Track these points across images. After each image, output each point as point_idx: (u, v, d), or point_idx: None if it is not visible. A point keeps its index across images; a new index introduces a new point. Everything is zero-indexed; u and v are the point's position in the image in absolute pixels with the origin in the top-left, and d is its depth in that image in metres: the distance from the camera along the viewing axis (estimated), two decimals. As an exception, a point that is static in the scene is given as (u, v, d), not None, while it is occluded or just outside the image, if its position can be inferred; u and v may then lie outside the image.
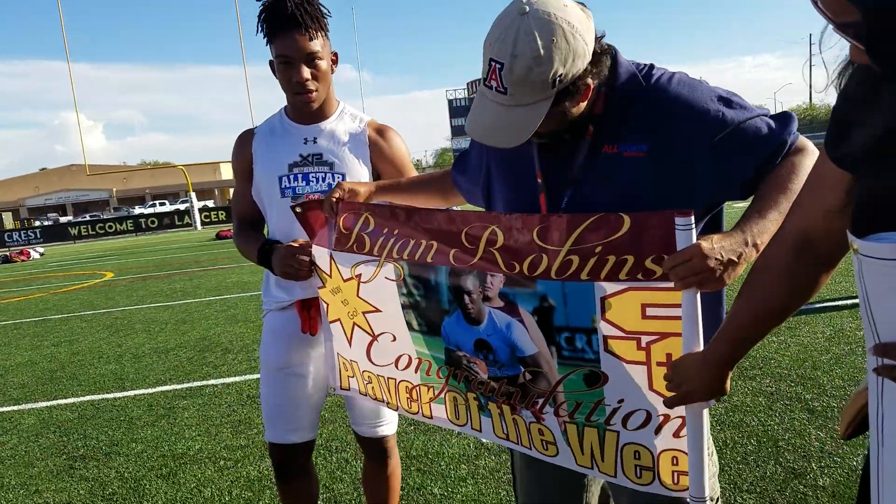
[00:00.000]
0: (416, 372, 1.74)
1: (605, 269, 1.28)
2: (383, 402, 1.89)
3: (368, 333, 1.80)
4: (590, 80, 1.28)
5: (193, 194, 37.85)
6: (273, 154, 2.10)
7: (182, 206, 45.79)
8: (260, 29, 1.97)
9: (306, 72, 1.97)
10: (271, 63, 2.02)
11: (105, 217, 48.03)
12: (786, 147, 1.31)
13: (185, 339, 6.91)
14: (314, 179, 2.07)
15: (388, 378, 1.81)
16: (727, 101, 1.33)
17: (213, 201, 61.16)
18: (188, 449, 3.86)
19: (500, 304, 1.45)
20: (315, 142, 2.08)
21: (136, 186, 71.55)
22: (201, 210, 37.76)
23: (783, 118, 1.33)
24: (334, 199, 1.75)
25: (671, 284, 1.21)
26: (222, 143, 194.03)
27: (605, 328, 1.33)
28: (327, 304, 1.91)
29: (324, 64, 2.00)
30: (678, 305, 1.23)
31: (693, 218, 1.19)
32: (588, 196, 1.36)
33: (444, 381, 1.68)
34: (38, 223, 52.15)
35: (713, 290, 1.21)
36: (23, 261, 24.61)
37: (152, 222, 39.10)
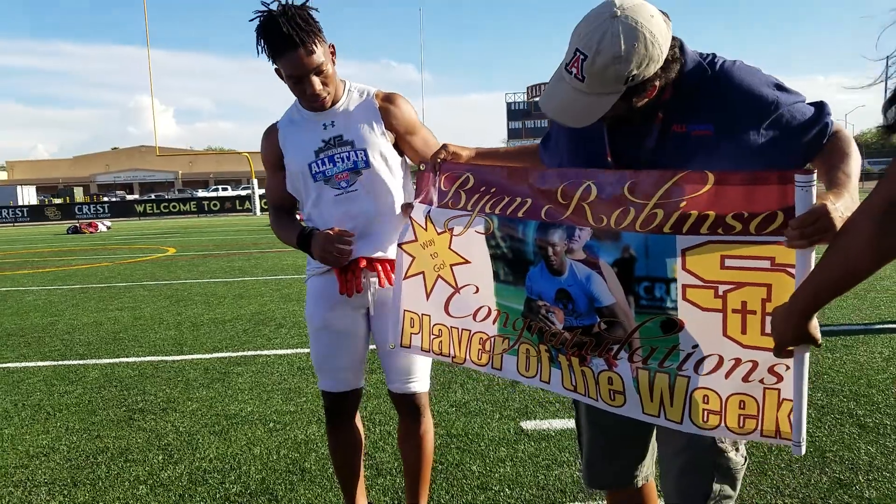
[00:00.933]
0: (493, 323, 1.82)
1: (688, 223, 1.38)
2: (448, 356, 1.93)
3: (451, 286, 1.89)
4: (657, 82, 1.42)
5: (255, 181, 38.82)
6: (299, 144, 2.25)
7: (244, 192, 46.97)
8: (261, 50, 2.07)
9: (317, 83, 2.10)
10: (277, 71, 2.14)
11: (169, 197, 49.64)
12: (829, 127, 1.47)
13: (241, 313, 7.15)
14: (340, 160, 2.21)
15: (463, 329, 1.89)
16: (780, 86, 1.47)
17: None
18: (240, 410, 4.02)
19: (581, 257, 1.55)
20: (333, 125, 2.22)
21: (201, 170, 73.80)
22: (262, 197, 38.66)
23: (821, 105, 1.49)
24: (439, 161, 1.87)
25: (753, 238, 1.32)
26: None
27: (684, 277, 1.42)
28: (412, 259, 1.96)
29: (329, 68, 2.13)
30: (755, 257, 1.33)
31: (815, 175, 1.27)
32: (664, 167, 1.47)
33: (519, 333, 1.76)
34: (106, 199, 54.27)
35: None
36: (91, 232, 25.70)
37: (214, 205, 40.28)
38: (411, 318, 2.00)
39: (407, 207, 1.98)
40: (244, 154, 43.48)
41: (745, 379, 1.42)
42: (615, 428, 1.76)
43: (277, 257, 12.82)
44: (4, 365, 5.33)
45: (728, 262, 1.37)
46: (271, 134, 2.33)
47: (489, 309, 1.82)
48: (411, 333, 2.01)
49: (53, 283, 10.31)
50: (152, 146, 41.41)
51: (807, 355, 1.36)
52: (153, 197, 54.54)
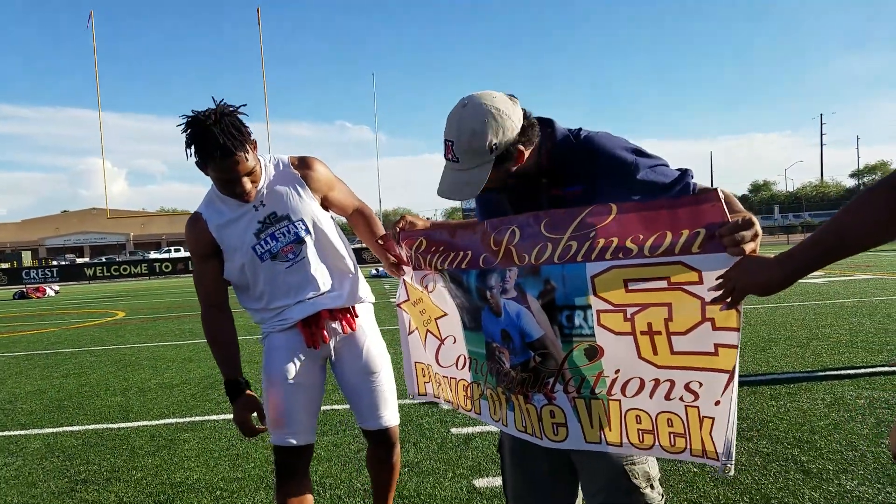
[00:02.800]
0: (469, 370, 1.95)
1: (596, 251, 1.51)
2: (450, 402, 2.09)
3: (437, 338, 2.04)
4: (521, 147, 1.66)
5: (210, 241, 38.41)
6: (235, 232, 2.30)
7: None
8: (189, 154, 2.14)
9: (248, 183, 2.20)
10: (205, 169, 2.18)
11: (120, 259, 48.55)
12: (691, 186, 1.64)
13: (190, 377, 6.99)
14: (281, 234, 2.31)
15: (451, 378, 2.04)
16: (638, 151, 1.68)
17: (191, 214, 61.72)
18: (186, 478, 3.91)
19: (514, 295, 1.68)
20: (263, 205, 2.30)
21: (153, 232, 72.67)
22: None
23: (684, 170, 1.68)
24: (398, 230, 2.04)
25: (647, 260, 1.45)
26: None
27: (597, 303, 1.53)
28: (409, 317, 2.15)
29: (257, 169, 2.23)
30: (652, 279, 1.45)
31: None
32: None
33: (485, 378, 1.87)
34: (55, 263, 52.79)
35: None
36: (38, 297, 24.93)
37: (166, 267, 39.50)
38: (422, 369, 2.17)
39: (397, 269, 2.09)
40: (199, 215, 43.10)
41: (667, 397, 1.51)
42: (540, 469, 1.86)
43: (231, 319, 12.61)
44: (-63, 438, 5.09)
45: (630, 286, 1.48)
46: (198, 222, 2.33)
47: (464, 357, 1.96)
48: (424, 382, 2.18)
49: (-5, 351, 9.93)
50: (103, 209, 40.71)
51: (726, 377, 1.42)
52: (104, 260, 53.30)
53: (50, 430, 5.15)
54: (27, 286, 29.53)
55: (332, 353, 2.44)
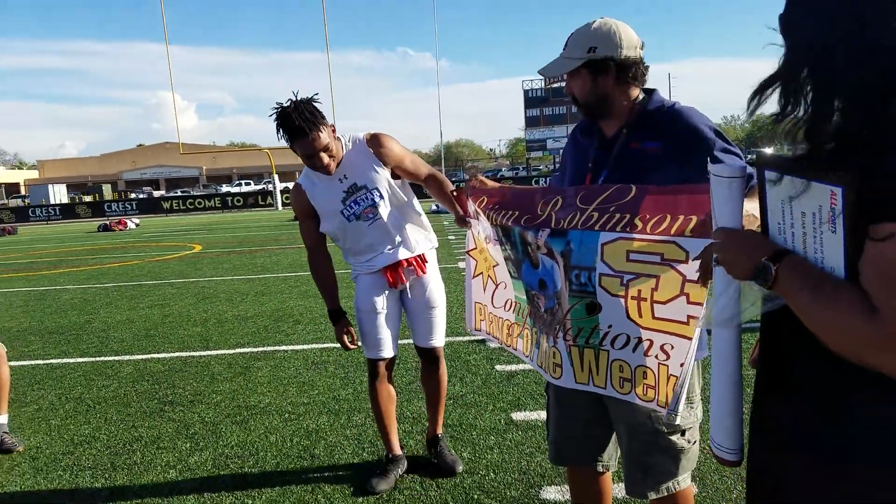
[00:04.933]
0: (512, 312, 2.28)
1: (610, 223, 1.74)
2: (497, 339, 2.41)
3: (494, 283, 2.38)
4: (612, 70, 1.89)
5: (276, 176, 39.45)
6: (327, 200, 2.98)
7: (266, 187, 47.72)
8: (280, 137, 2.75)
9: (325, 157, 2.81)
10: (293, 149, 2.81)
11: (195, 193, 50.53)
12: (754, 177, 1.80)
13: (262, 309, 7.59)
14: (361, 200, 2.95)
15: (500, 318, 2.37)
16: (718, 132, 1.87)
17: (293, 183, 63.18)
18: (259, 402, 4.44)
19: (545, 251, 1.94)
20: (346, 178, 2.94)
21: (224, 166, 74.79)
22: (282, 191, 39.30)
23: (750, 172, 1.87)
24: (470, 186, 2.38)
25: (647, 237, 1.67)
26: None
27: (601, 267, 1.77)
28: (475, 262, 2.48)
29: (332, 144, 2.82)
30: (649, 253, 1.68)
31: (735, 170, 1.48)
32: (618, 173, 1.92)
33: (524, 320, 2.18)
34: (133, 196, 55.39)
35: None
36: (120, 230, 26.47)
37: (238, 201, 41.01)
38: (479, 308, 2.50)
39: (464, 222, 2.48)
40: (265, 150, 44.18)
41: (646, 354, 1.77)
42: (577, 410, 2.09)
43: (297, 254, 13.29)
44: (48, 361, 5.82)
45: (632, 256, 1.72)
46: (299, 192, 3.03)
47: (511, 301, 2.29)
48: (480, 319, 2.52)
49: (88, 282, 10.87)
50: (176, 143, 42.27)
51: (693, 342, 1.68)
52: (179, 193, 55.54)
53: (140, 357, 5.81)
54: (110, 219, 31.34)
55: (408, 289, 3.14)
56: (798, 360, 1.15)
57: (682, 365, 1.71)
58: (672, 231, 1.64)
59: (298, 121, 2.67)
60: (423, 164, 3.10)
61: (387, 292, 3.11)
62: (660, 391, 1.76)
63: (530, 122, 49.97)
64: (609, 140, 1.99)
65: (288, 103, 2.73)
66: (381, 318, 3.11)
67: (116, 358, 5.81)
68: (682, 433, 1.92)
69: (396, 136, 3.04)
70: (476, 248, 2.47)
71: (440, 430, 3.42)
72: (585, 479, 2.23)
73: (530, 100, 53.61)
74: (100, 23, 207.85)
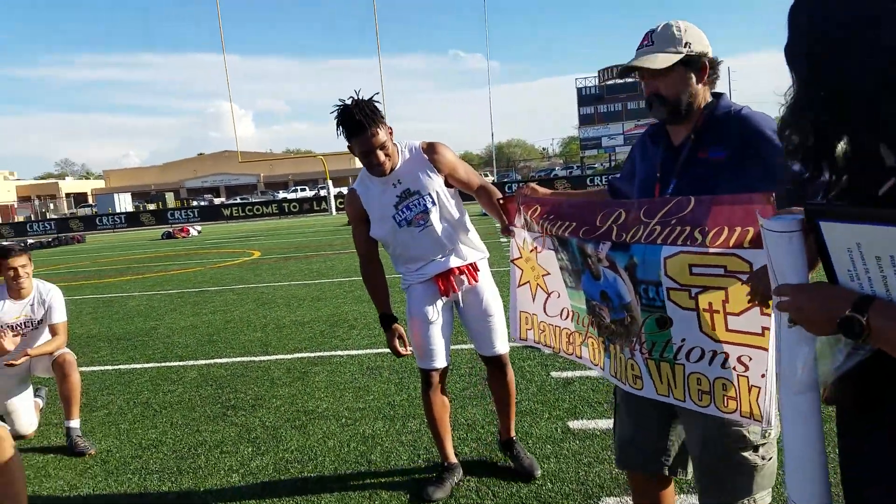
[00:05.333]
0: (571, 321, 2.29)
1: (671, 236, 1.73)
2: (551, 347, 2.42)
3: (545, 291, 2.39)
4: (706, 69, 1.88)
5: (330, 182, 40.14)
6: (380, 204, 2.99)
7: (320, 192, 48.55)
8: (339, 133, 2.80)
9: (381, 156, 2.83)
10: (350, 148, 2.85)
11: (253, 200, 51.80)
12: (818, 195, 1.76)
13: (318, 315, 7.72)
14: (413, 206, 2.96)
15: (556, 327, 2.38)
16: None
17: (346, 188, 64.14)
18: (317, 407, 4.52)
19: (606, 264, 1.94)
20: (400, 182, 2.95)
21: (280, 172, 76.44)
22: (336, 196, 39.91)
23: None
24: (522, 195, 2.38)
25: (707, 250, 1.65)
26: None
27: (667, 281, 1.76)
28: (521, 271, 2.48)
29: (389, 144, 2.85)
30: (712, 265, 1.66)
31: (790, 223, 1.33)
32: (686, 185, 1.90)
33: (586, 329, 2.19)
34: (195, 203, 57.13)
35: None
36: (183, 237, 27.36)
37: (294, 207, 41.84)
38: (525, 317, 2.52)
39: (508, 231, 2.49)
40: (319, 156, 44.98)
41: (723, 366, 1.74)
42: (646, 417, 2.10)
43: (350, 259, 13.46)
44: (117, 367, 6.06)
45: (694, 270, 1.70)
46: (353, 196, 3.06)
47: (567, 310, 2.30)
48: (526, 329, 2.54)
49: (153, 289, 11.27)
50: (234, 151, 43.43)
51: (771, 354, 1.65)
52: (238, 200, 57.02)
53: (203, 362, 5.99)
54: (173, 227, 32.40)
55: (460, 299, 3.13)
56: None
57: (762, 376, 1.67)
58: (731, 243, 1.62)
59: (359, 116, 2.72)
60: (476, 174, 3.13)
61: (439, 302, 3.11)
62: (742, 402, 1.73)
63: (584, 120, 49.42)
64: (676, 147, 1.97)
65: (349, 100, 2.78)
66: (434, 329, 3.11)
67: (181, 363, 6.00)
68: (756, 449, 1.86)
69: (448, 137, 3.16)
70: (521, 258, 2.47)
71: (514, 433, 3.42)
72: (648, 486, 2.22)
73: (584, 97, 52.99)
74: (159, 36, 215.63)
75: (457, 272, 3.07)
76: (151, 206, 54.42)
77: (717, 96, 1.94)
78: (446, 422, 3.29)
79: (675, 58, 1.84)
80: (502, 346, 3.23)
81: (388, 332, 3.14)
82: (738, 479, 1.87)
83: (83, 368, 5.94)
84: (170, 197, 62.89)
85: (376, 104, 2.81)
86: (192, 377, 5.50)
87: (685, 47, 1.84)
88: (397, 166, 2.93)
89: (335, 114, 2.78)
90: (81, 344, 7.03)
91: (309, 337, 6.64)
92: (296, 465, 3.63)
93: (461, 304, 3.16)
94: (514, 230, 2.44)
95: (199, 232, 29.31)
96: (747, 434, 1.84)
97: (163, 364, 6.02)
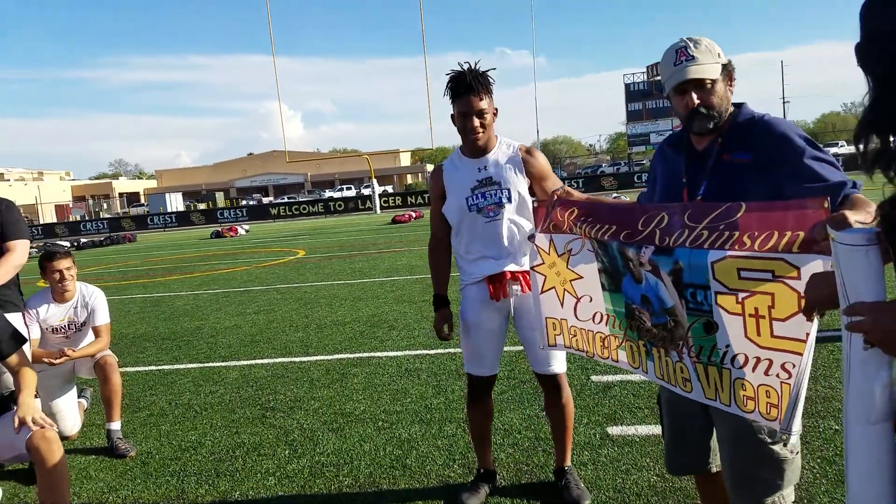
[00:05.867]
0: (606, 325, 2.27)
1: (719, 241, 1.74)
2: (583, 351, 2.41)
3: (574, 296, 2.37)
4: (732, 75, 1.98)
5: (375, 181, 40.43)
6: (458, 183, 2.97)
7: (365, 191, 48.93)
8: (447, 93, 2.85)
9: (477, 122, 2.84)
10: (452, 117, 2.90)
11: (300, 199, 52.55)
12: (845, 188, 1.79)
13: (359, 315, 7.75)
14: (489, 195, 2.91)
15: (588, 331, 2.36)
16: (810, 140, 1.88)
17: (391, 187, 64.61)
18: (354, 409, 4.51)
19: (649, 268, 1.94)
20: (485, 169, 2.94)
21: (327, 171, 77.37)
22: (381, 195, 40.20)
23: (852, 181, 1.81)
24: (557, 196, 2.39)
25: (756, 254, 1.65)
26: (402, 131, 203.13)
27: (714, 285, 1.76)
28: (544, 277, 2.46)
29: (489, 118, 2.86)
30: (760, 270, 1.65)
31: (866, 237, 1.27)
32: (714, 185, 1.97)
33: (624, 332, 2.18)
34: (244, 202, 58.28)
35: None
36: (231, 236, 27.92)
37: (339, 205, 42.31)
38: (553, 323, 2.50)
39: (531, 237, 2.48)
40: (364, 156, 45.37)
41: (766, 373, 1.73)
42: (684, 421, 2.17)
43: (393, 258, 13.52)
44: (161, 367, 6.17)
45: (743, 274, 1.69)
46: (438, 173, 3.07)
47: (601, 314, 2.27)
48: (555, 335, 2.52)
49: (200, 288, 11.50)
50: (283, 151, 44.12)
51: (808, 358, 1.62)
52: (286, 199, 57.95)
53: (245, 363, 6.06)
54: (222, 226, 33.09)
55: (513, 308, 3.02)
56: None
57: (799, 382, 1.66)
58: (780, 248, 1.61)
59: (470, 79, 2.78)
60: None
61: (493, 308, 2.99)
62: (782, 410, 1.72)
63: (632, 117, 48.60)
64: (701, 153, 2.04)
65: (467, 67, 2.84)
66: (485, 334, 3.03)
67: (223, 364, 6.08)
68: (785, 443, 1.91)
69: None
70: (544, 263, 2.45)
71: (568, 462, 3.21)
72: (706, 481, 2.29)
73: (632, 93, 52.14)
74: (210, 38, 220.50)
75: (510, 276, 2.96)
76: (202, 206, 55.72)
77: (738, 106, 2.02)
78: (488, 430, 3.23)
79: (719, 67, 1.94)
80: (559, 365, 3.04)
81: (438, 313, 3.10)
82: (770, 474, 1.91)
83: (128, 369, 6.09)
84: (220, 196, 64.27)
85: (490, 79, 2.85)
86: (234, 378, 5.57)
87: (719, 57, 1.94)
88: (490, 152, 2.95)
89: (448, 76, 2.84)
90: (128, 344, 7.20)
91: (349, 337, 6.65)
92: (331, 468, 3.62)
93: (513, 313, 3.05)
94: (536, 235, 2.44)
95: (247, 231, 29.87)
96: (767, 426, 1.89)
97: (206, 364, 6.11)
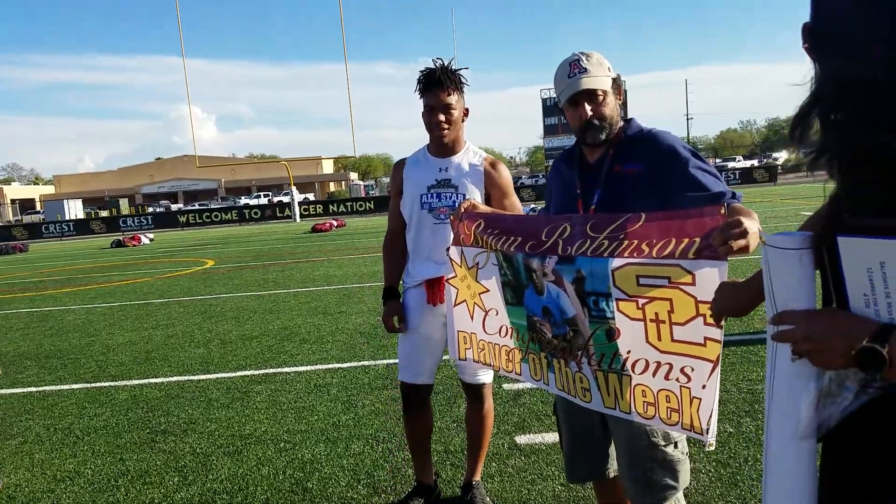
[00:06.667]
0: (510, 338, 2.27)
1: (619, 249, 1.78)
2: (490, 365, 2.41)
3: (483, 310, 2.36)
4: (620, 89, 2.05)
5: (294, 188, 39.55)
6: (418, 179, 2.90)
7: (285, 199, 47.79)
8: (417, 88, 2.80)
9: (442, 117, 2.78)
10: (423, 100, 2.82)
11: (212, 206, 50.78)
12: (728, 194, 1.89)
13: (268, 328, 7.40)
14: (444, 196, 2.85)
15: (495, 344, 2.36)
16: (694, 152, 1.99)
17: (313, 195, 63.50)
18: (255, 430, 4.23)
19: (552, 279, 1.96)
20: (446, 170, 2.87)
21: (243, 178, 75.26)
22: (301, 203, 39.35)
23: (732, 191, 1.92)
24: (462, 209, 2.39)
25: (654, 261, 1.69)
26: (325, 138, 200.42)
27: (615, 292, 1.80)
28: (456, 290, 2.45)
29: (456, 115, 2.80)
30: (657, 276, 1.69)
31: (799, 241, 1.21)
32: (605, 195, 2.02)
33: (526, 345, 2.19)
34: (150, 210, 55.78)
35: (744, 254, 1.53)
36: (134, 245, 26.51)
37: (255, 213, 41.10)
38: (464, 337, 2.49)
39: (447, 250, 2.46)
40: (282, 162, 44.36)
41: (666, 378, 1.76)
42: (582, 430, 2.19)
43: (310, 268, 13.14)
44: (42, 388, 5.64)
45: (641, 280, 1.74)
46: (400, 166, 2.99)
47: (506, 327, 2.27)
48: (465, 349, 2.50)
49: (94, 301, 10.76)
50: (193, 155, 42.51)
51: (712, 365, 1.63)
52: (196, 206, 55.88)
53: (137, 382, 5.62)
54: (124, 234, 31.48)
55: (445, 313, 2.88)
56: None
57: (703, 387, 1.68)
58: (676, 254, 1.66)
59: (440, 74, 2.74)
60: (519, 210, 3.01)
61: (433, 313, 2.89)
62: (683, 414, 1.75)
63: (549, 131, 49.73)
64: (593, 165, 2.10)
65: (440, 62, 2.81)
66: (424, 340, 2.92)
67: (113, 383, 5.63)
68: (676, 445, 1.98)
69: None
70: (456, 276, 2.44)
71: (478, 477, 3.14)
72: (605, 487, 2.32)
73: (548, 108, 53.36)
74: (121, 37, 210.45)
75: (448, 283, 2.85)
76: (104, 213, 52.96)
77: (628, 120, 2.10)
78: (426, 442, 3.10)
79: (609, 79, 2.00)
80: (486, 375, 3.00)
81: (387, 305, 2.96)
82: (665, 475, 1.96)
83: (3, 391, 5.55)
84: (124, 203, 61.32)
85: (462, 77, 2.83)
86: (123, 399, 5.14)
87: (609, 71, 2.00)
88: (456, 155, 2.89)
89: (422, 72, 2.81)
90: (6, 363, 6.57)
91: (255, 353, 6.31)
92: (224, 495, 3.34)
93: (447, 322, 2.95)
94: (450, 247, 2.42)
95: (151, 240, 28.52)
96: (669, 431, 1.95)
97: (93, 385, 5.63)
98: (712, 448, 1.75)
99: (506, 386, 4.63)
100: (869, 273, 0.94)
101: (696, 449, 3.38)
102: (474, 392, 3.03)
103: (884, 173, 0.92)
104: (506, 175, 2.94)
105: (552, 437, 3.71)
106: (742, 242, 1.50)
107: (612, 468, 2.19)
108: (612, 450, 2.16)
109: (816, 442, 1.09)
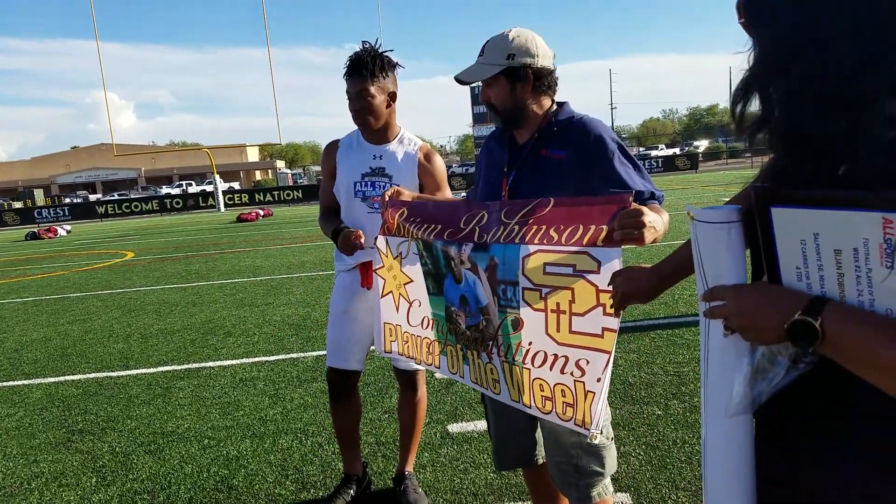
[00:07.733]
0: (431, 330, 2.24)
1: (529, 235, 1.75)
2: (413, 358, 2.38)
3: (407, 301, 2.31)
4: (529, 84, 1.96)
5: (218, 177, 38.39)
6: (351, 165, 2.82)
7: (208, 188, 46.37)
8: (343, 71, 2.72)
9: (360, 106, 2.69)
10: (347, 84, 2.72)
11: (132, 196, 48.84)
12: (648, 194, 1.90)
13: (191, 322, 7.19)
14: (378, 185, 2.79)
15: (417, 336, 2.32)
16: (622, 147, 1.96)
17: (238, 183, 61.85)
18: (177, 427, 4.11)
19: (468, 266, 1.95)
20: (381, 158, 2.81)
21: (164, 166, 72.62)
22: (225, 192, 38.28)
23: (657, 192, 1.94)
24: (387, 197, 2.33)
25: (561, 248, 1.68)
26: (248, 125, 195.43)
27: (523, 281, 1.78)
28: (384, 281, 2.39)
29: (375, 101, 2.69)
30: (563, 265, 1.68)
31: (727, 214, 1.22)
32: (526, 177, 2.02)
33: (445, 337, 2.16)
34: (67, 201, 53.18)
35: (638, 244, 1.56)
36: (50, 238, 25.25)
37: (177, 203, 39.73)
38: (389, 329, 2.44)
39: (374, 240, 2.39)
40: (205, 149, 42.99)
41: (562, 371, 1.74)
42: (508, 417, 2.15)
43: (235, 259, 12.83)
44: (-54, 390, 5.32)
45: (548, 269, 1.72)
46: (333, 148, 2.89)
47: (427, 319, 2.24)
48: (391, 341, 2.45)
49: (7, 297, 10.21)
50: (111, 144, 40.68)
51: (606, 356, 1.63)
52: (116, 196, 53.62)
53: (52, 380, 5.37)
54: (39, 227, 29.93)
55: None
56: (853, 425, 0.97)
57: (598, 381, 1.66)
58: (584, 241, 1.64)
59: (367, 59, 2.66)
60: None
61: (364, 297, 2.81)
62: (578, 409, 1.73)
63: (478, 119, 49.99)
64: (520, 146, 2.06)
65: (369, 48, 2.72)
66: (354, 324, 2.84)
67: (26, 382, 5.36)
68: (601, 431, 1.93)
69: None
70: (384, 266, 2.39)
71: (410, 468, 3.11)
72: (534, 474, 2.31)
73: (476, 96, 53.62)
74: (31, 20, 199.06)
75: (375, 273, 2.79)
76: (17, 205, 50.13)
77: (560, 105, 2.05)
78: (354, 431, 3.05)
79: (493, 70, 1.94)
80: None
81: (341, 235, 2.68)
82: (591, 462, 1.96)
83: None
84: (39, 194, 58.15)
85: (389, 61, 2.73)
86: (37, 398, 4.91)
87: (508, 59, 1.92)
88: (391, 143, 2.83)
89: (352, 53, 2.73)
90: None
91: (177, 347, 6.13)
92: (145, 495, 3.23)
93: None
94: (378, 237, 2.37)
95: (67, 232, 27.18)
96: (564, 427, 1.94)
97: (4, 384, 5.35)
98: (595, 441, 1.79)
99: (438, 375, 4.65)
100: (802, 245, 0.93)
101: (626, 432, 3.49)
102: (408, 379, 3.00)
103: (819, 144, 0.92)
104: (440, 166, 2.89)
105: (484, 424, 3.74)
106: (635, 233, 1.51)
107: (541, 455, 2.20)
108: (540, 436, 2.18)
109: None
